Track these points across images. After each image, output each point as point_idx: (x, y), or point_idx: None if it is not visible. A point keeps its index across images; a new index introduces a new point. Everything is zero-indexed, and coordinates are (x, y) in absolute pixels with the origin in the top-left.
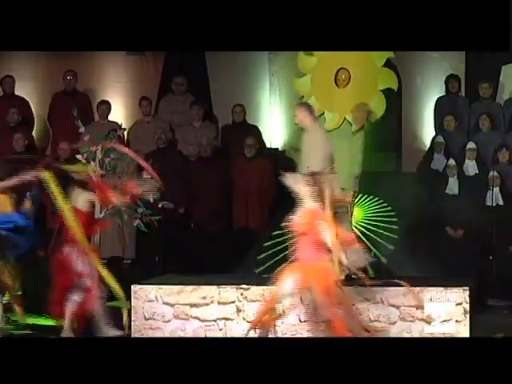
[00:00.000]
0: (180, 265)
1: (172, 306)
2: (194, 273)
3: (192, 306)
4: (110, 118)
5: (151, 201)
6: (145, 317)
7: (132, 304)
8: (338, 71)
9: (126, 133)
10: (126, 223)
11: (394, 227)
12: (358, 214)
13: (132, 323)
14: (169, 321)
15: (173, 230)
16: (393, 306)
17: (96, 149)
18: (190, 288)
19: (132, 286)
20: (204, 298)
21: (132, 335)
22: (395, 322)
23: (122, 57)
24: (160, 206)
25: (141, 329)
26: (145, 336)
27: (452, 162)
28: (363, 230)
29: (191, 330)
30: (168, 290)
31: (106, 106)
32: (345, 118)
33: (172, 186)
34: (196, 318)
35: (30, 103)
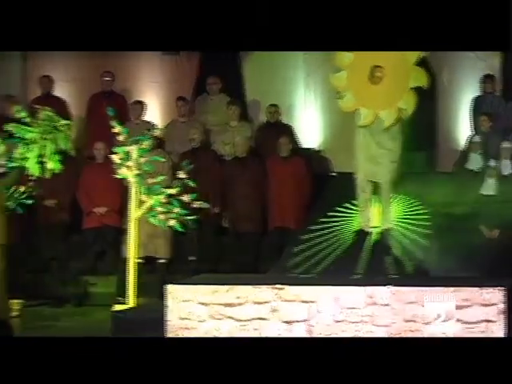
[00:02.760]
0: (215, 264)
1: (207, 305)
2: (228, 273)
3: (227, 305)
4: (146, 118)
5: (186, 201)
6: (180, 317)
7: (167, 304)
8: (372, 68)
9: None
10: (161, 223)
11: (429, 227)
12: (394, 213)
13: (167, 323)
14: (204, 321)
15: (208, 230)
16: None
17: (131, 149)
18: (224, 288)
19: (167, 286)
20: (239, 297)
21: (167, 335)
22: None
23: (158, 57)
24: (195, 206)
25: (176, 329)
26: (180, 336)
27: (492, 162)
28: (399, 229)
29: (226, 329)
30: (203, 289)
31: (139, 106)
32: (377, 115)
33: (207, 186)
34: (231, 317)
35: (68, 103)
